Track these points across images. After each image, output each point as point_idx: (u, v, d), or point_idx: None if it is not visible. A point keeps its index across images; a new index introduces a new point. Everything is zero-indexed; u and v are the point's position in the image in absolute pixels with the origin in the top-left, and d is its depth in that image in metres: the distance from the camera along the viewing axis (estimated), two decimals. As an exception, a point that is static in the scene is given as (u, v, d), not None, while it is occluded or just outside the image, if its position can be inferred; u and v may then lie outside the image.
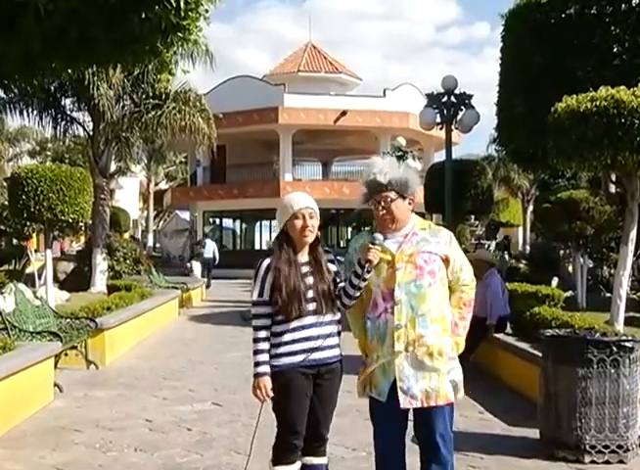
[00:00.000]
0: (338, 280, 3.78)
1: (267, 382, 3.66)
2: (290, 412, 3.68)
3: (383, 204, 3.61)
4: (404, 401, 3.53)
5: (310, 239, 3.74)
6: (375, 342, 3.64)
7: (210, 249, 24.98)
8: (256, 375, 3.68)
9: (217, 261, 25.11)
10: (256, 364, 3.69)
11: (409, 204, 3.67)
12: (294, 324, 3.66)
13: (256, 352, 3.70)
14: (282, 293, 3.63)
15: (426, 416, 3.57)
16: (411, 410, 3.60)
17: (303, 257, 3.76)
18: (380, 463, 3.74)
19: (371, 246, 3.54)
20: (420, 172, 19.09)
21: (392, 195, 3.60)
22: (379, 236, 3.59)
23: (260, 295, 3.72)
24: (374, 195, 3.64)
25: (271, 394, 3.66)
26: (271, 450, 3.81)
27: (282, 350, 3.68)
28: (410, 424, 3.69)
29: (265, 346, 3.69)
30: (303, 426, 3.71)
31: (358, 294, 3.65)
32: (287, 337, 3.67)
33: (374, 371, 3.64)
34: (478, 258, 8.77)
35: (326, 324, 3.70)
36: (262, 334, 3.70)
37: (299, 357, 3.66)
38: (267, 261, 3.73)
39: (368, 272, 3.56)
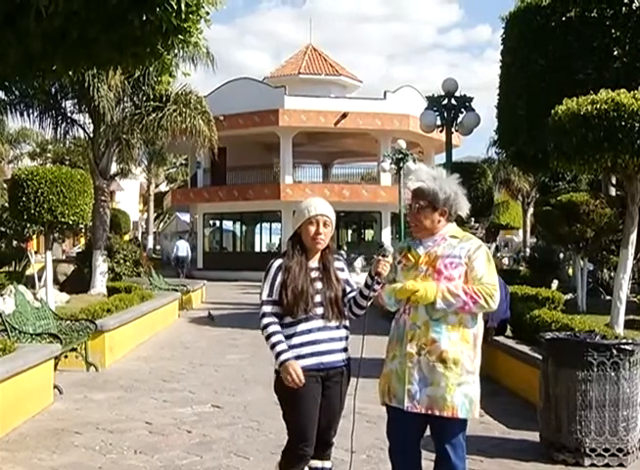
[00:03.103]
0: (348, 289, 3.79)
1: (296, 365, 3.60)
2: (300, 420, 3.67)
3: (411, 209, 3.67)
4: (409, 405, 3.53)
5: (321, 246, 3.76)
6: (394, 341, 3.67)
7: (184, 248, 28.52)
8: (282, 363, 3.62)
9: (190, 259, 29.60)
10: (278, 354, 3.64)
11: (441, 215, 3.66)
12: (301, 327, 3.66)
13: (274, 345, 3.66)
14: (289, 292, 3.64)
15: (437, 424, 3.58)
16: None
17: (314, 262, 3.78)
18: (395, 467, 3.74)
19: (380, 258, 3.55)
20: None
21: (422, 203, 3.63)
22: (389, 248, 3.62)
23: (270, 294, 3.73)
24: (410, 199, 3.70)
25: (302, 377, 3.58)
26: (280, 455, 3.82)
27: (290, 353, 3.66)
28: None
29: (280, 337, 3.65)
30: (314, 434, 3.70)
31: (368, 304, 3.66)
32: (294, 340, 3.66)
33: (391, 379, 3.63)
34: None
35: (333, 329, 3.72)
36: (273, 328, 3.68)
37: (308, 360, 3.65)
38: (278, 262, 3.76)
39: (378, 284, 3.59)
